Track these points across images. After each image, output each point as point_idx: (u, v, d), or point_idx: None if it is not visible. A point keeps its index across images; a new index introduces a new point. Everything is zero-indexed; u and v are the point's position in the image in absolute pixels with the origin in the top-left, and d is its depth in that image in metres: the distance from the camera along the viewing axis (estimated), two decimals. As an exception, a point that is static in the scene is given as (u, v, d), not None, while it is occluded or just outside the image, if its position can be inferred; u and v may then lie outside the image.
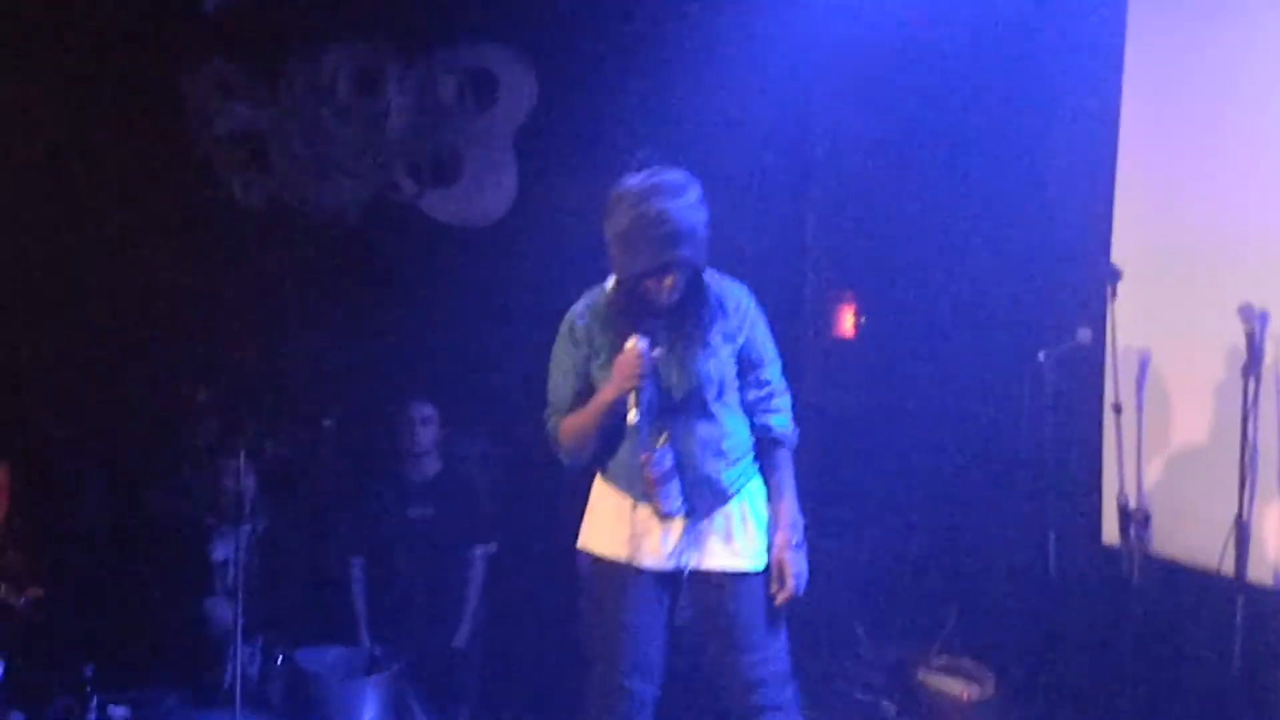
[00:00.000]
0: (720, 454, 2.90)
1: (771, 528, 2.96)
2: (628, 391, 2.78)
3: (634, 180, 2.79)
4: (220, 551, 4.39)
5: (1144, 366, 3.63)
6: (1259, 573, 3.22)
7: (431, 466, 4.56)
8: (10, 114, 4.71)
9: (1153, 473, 3.61)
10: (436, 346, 4.92)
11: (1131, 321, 3.72)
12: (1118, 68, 3.88)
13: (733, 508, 2.94)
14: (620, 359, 2.80)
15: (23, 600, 3.84)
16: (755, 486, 2.99)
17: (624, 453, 2.94)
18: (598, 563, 3.00)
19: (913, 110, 4.61)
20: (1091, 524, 3.74)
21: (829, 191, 4.92)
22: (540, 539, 4.94)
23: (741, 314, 2.92)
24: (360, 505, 4.56)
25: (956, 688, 4.26)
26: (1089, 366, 3.76)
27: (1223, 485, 3.27)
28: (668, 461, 2.85)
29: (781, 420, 3.00)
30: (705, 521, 2.92)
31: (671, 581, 2.98)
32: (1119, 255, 3.81)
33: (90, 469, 4.77)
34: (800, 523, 2.97)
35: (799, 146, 4.92)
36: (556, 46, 4.96)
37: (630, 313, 2.84)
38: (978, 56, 4.40)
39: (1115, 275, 3.26)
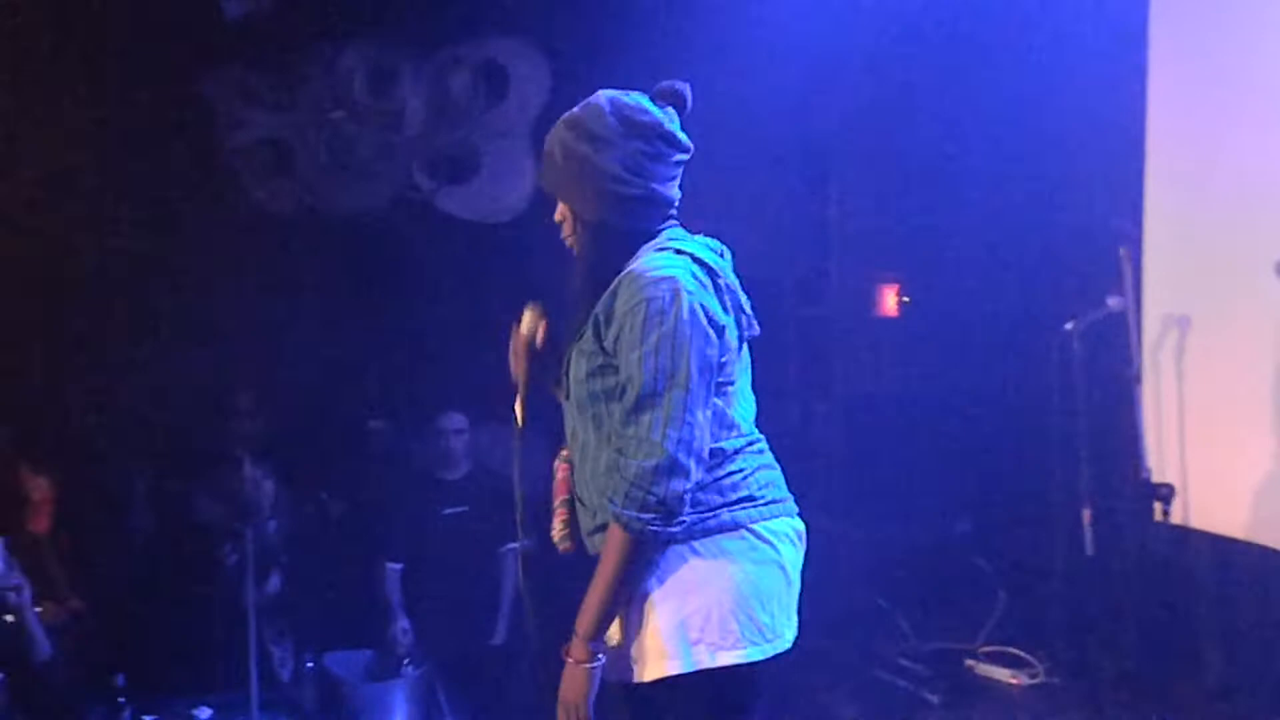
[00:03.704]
0: None
1: None
2: None
3: None
4: (253, 557, 4.38)
5: (1181, 333, 3.49)
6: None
7: (464, 465, 4.53)
8: (34, 123, 4.72)
9: (1193, 443, 3.46)
10: (464, 344, 4.87)
11: (1165, 288, 3.58)
12: (1143, 31, 3.75)
13: None
14: None
15: (64, 617, 3.83)
16: None
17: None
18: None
19: (936, 84, 4.48)
20: (1135, 499, 3.59)
21: (851, 169, 4.81)
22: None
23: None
24: (394, 506, 4.54)
25: (1006, 675, 4.16)
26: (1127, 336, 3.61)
27: (1267, 453, 3.12)
28: None
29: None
30: None
31: None
32: (1152, 221, 3.67)
33: (134, 479, 4.80)
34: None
35: (820, 126, 4.80)
36: (567, 36, 4.90)
37: None
38: (1003, 26, 4.27)
39: (1126, 239, 3.11)
